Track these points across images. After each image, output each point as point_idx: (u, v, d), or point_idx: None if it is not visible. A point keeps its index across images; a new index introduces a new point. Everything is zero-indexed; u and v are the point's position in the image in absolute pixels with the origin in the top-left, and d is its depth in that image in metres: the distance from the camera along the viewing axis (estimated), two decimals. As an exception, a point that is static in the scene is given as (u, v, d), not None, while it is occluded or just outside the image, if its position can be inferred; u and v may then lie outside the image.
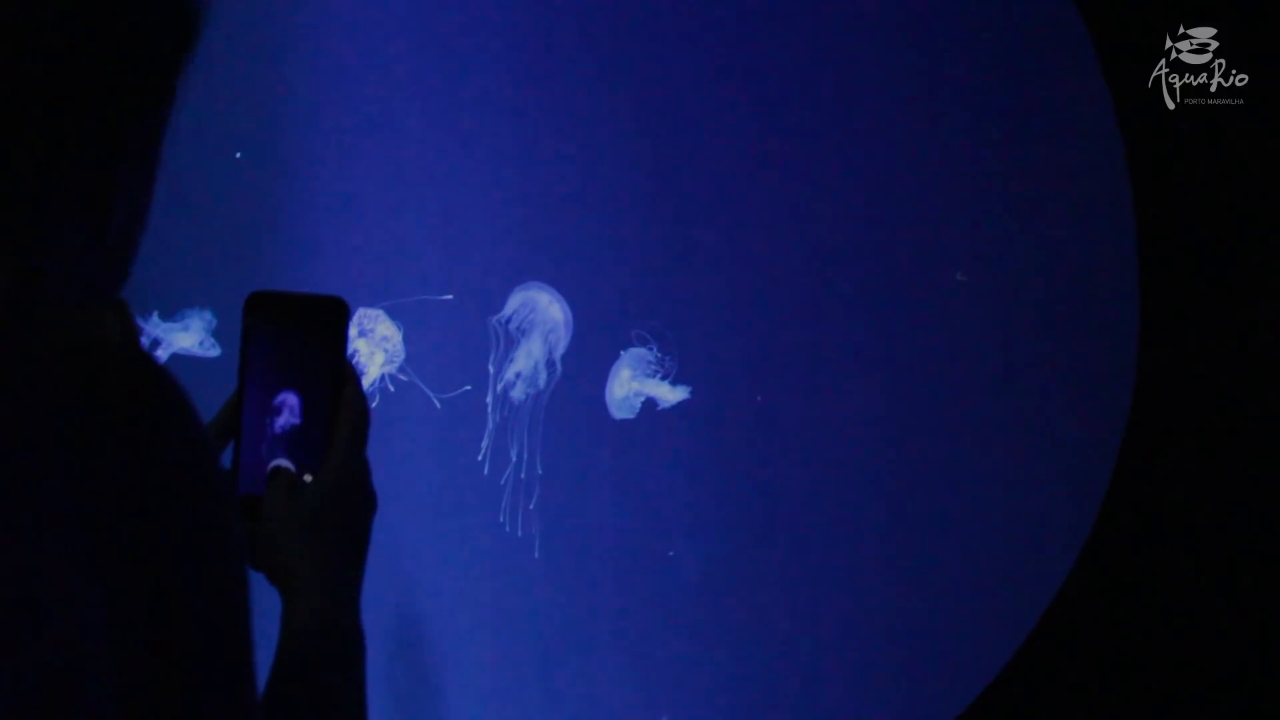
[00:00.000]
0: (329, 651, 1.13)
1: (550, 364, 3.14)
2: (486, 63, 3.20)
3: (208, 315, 3.13)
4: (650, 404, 3.14)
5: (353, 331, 3.00)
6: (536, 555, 3.13)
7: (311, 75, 3.28)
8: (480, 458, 3.14)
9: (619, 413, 3.15)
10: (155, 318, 3.13)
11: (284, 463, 1.18)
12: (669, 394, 3.13)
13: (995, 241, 3.02)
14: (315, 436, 1.18)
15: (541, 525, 3.13)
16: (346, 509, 1.18)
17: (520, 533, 3.14)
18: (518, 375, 3.12)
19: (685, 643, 3.14)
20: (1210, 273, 2.79)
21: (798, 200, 3.11)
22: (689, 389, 3.13)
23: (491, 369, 3.12)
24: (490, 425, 3.13)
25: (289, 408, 1.18)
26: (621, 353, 3.13)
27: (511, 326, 3.13)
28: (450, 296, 3.13)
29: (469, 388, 3.13)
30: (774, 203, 3.12)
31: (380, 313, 3.11)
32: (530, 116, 3.20)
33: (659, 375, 3.13)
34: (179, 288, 3.10)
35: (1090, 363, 2.98)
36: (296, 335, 1.19)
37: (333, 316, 1.19)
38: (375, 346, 3.10)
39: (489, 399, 3.13)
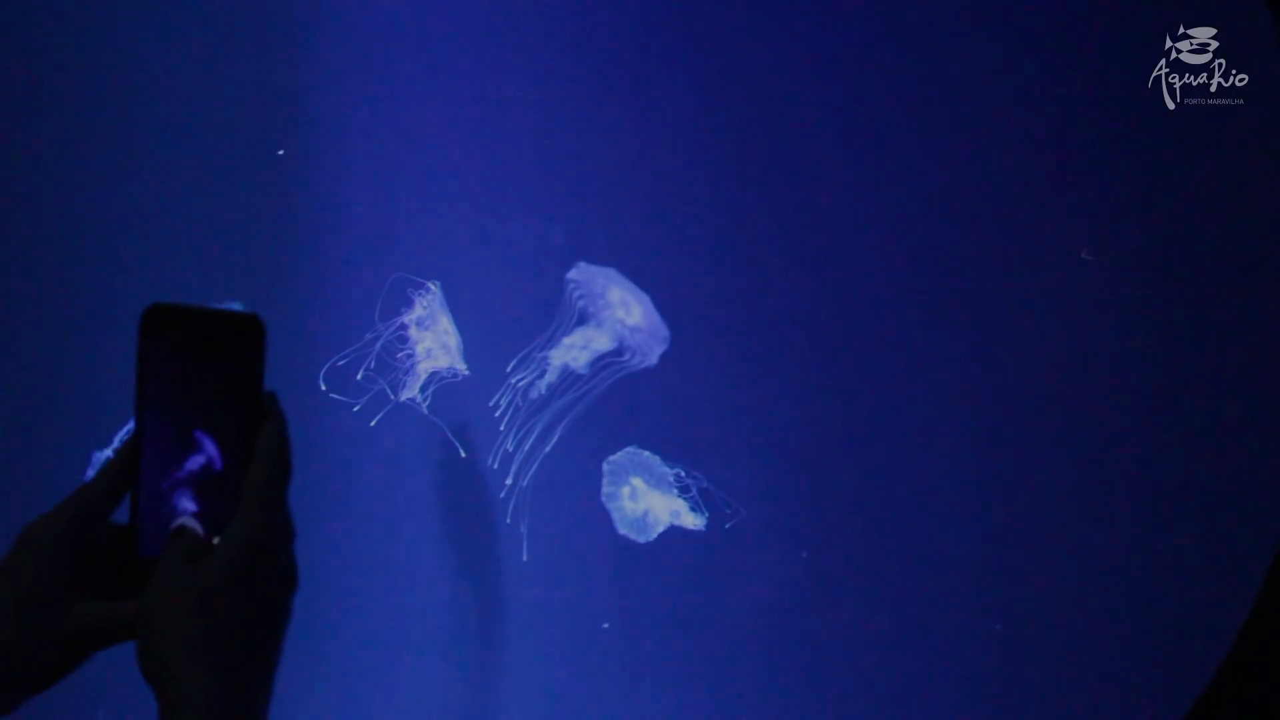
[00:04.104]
0: None
1: (603, 360, 3.05)
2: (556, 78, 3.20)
3: (237, 307, 3.13)
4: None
5: (414, 334, 2.97)
6: (525, 558, 3.13)
7: (359, 66, 3.29)
8: (492, 463, 3.14)
9: (625, 527, 2.98)
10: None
11: (189, 521, 0.94)
12: (687, 520, 2.95)
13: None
14: (231, 488, 0.95)
15: (530, 525, 3.11)
16: (255, 588, 0.89)
17: (521, 530, 3.13)
18: (549, 370, 3.03)
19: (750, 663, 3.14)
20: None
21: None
22: (706, 517, 2.98)
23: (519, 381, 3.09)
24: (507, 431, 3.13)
25: (200, 450, 0.96)
26: (628, 456, 3.00)
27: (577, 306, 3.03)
28: (433, 287, 3.11)
29: (464, 454, 3.09)
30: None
31: (441, 304, 3.09)
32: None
33: (676, 489, 2.95)
34: (209, 279, 3.13)
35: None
36: (204, 360, 0.98)
37: (247, 336, 0.99)
38: (434, 341, 3.06)
39: (506, 398, 3.12)
